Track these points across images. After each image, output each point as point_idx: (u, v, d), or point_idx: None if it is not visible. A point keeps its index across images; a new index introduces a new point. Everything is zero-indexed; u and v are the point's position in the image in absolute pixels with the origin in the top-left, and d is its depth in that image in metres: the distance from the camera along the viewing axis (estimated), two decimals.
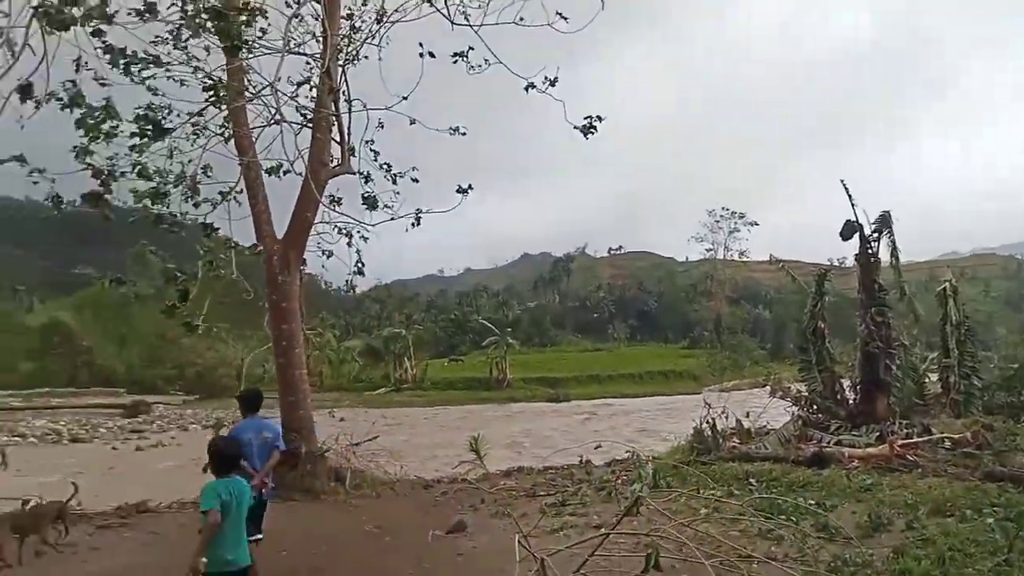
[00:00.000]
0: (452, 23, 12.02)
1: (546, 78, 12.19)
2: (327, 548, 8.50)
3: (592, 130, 12.05)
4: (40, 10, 7.83)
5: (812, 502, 8.90)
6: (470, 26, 11.74)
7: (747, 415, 16.00)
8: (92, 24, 7.93)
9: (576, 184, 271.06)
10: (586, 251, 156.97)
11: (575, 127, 12.11)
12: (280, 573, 7.50)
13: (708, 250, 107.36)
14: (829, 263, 31.93)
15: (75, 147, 10.17)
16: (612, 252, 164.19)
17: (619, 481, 11.86)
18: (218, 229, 12.79)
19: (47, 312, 76.13)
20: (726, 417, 15.05)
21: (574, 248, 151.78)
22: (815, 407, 15.82)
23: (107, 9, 7.66)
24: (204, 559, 4.73)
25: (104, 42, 8.88)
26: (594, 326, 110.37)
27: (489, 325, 75.63)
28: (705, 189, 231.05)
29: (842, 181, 15.63)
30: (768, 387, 17.19)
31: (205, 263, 12.24)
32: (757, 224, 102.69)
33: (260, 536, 7.09)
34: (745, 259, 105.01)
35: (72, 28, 8.22)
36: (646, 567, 5.41)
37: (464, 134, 13.55)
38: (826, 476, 11.04)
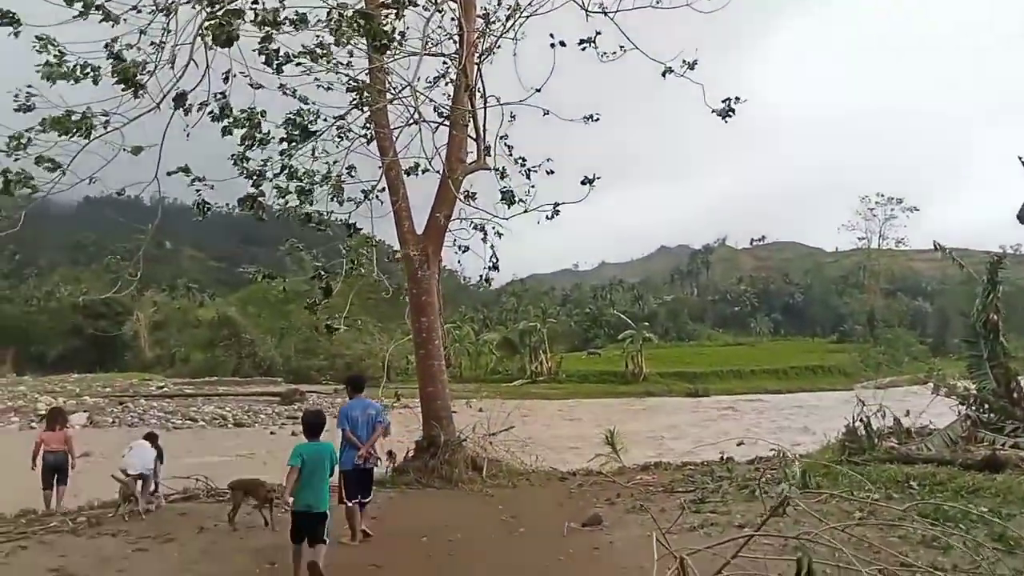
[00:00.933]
0: (587, 11, 11.91)
1: (684, 62, 11.85)
2: (463, 535, 8.66)
3: (730, 113, 11.60)
4: (211, 24, 8.50)
5: (985, 509, 8.07)
6: (604, 13, 11.59)
7: (907, 414, 14.80)
8: (264, 30, 8.53)
9: (715, 174, 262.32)
10: (726, 243, 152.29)
11: (713, 111, 11.71)
12: (418, 558, 7.76)
13: (861, 239, 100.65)
14: (1002, 250, 28.97)
15: (233, 155, 10.99)
16: (754, 243, 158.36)
17: (763, 479, 11.34)
18: (360, 229, 13.39)
19: (216, 308, 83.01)
20: (882, 416, 13.98)
21: (713, 240, 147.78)
22: (986, 406, 14.37)
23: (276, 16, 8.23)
24: (290, 500, 6.72)
25: (263, 47, 9.53)
26: (735, 320, 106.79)
27: (625, 318, 74.89)
28: (855, 176, 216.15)
29: (1020, 158, 14.08)
30: (930, 384, 15.79)
31: (347, 261, 12.84)
32: (917, 210, 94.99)
33: (369, 499, 8.57)
34: (903, 247, 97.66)
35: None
36: (798, 571, 5.08)
37: (597, 119, 13.41)
38: (1001, 481, 9.98)
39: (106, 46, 9.74)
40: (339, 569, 6.94)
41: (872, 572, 5.32)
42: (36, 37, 9.05)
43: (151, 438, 11.11)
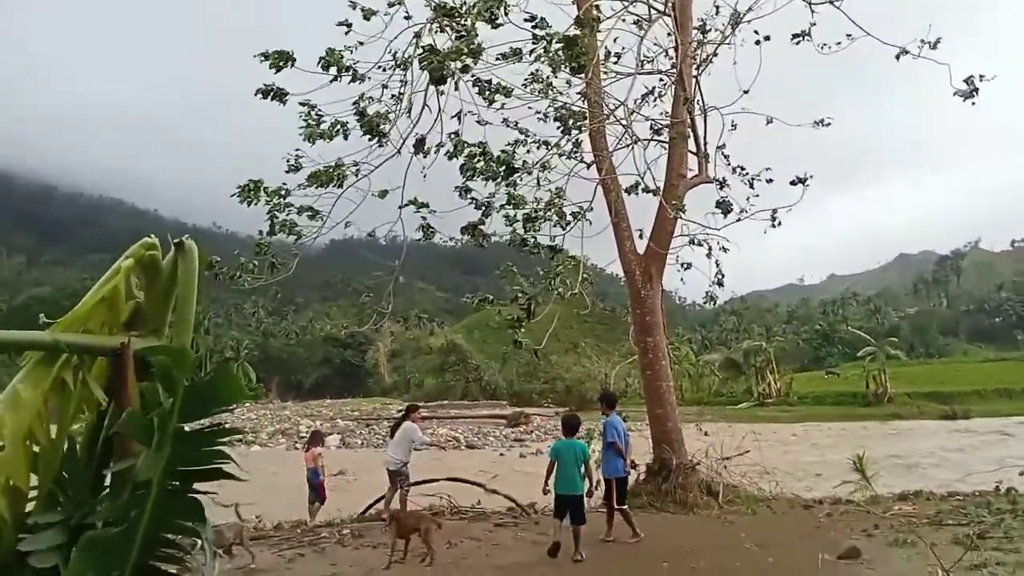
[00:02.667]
0: (811, 5, 11.29)
1: (923, 41, 10.82)
2: (706, 563, 8.32)
3: (974, 93, 10.33)
4: (425, 64, 9.25)
5: None
6: (831, 3, 10.92)
7: None
8: (462, 60, 9.13)
9: (963, 168, 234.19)
10: (979, 245, 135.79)
11: (955, 92, 10.51)
12: None
13: None
14: None
15: (457, 186, 11.71)
16: (1015, 244, 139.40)
17: None
18: (563, 250, 13.52)
19: (444, 335, 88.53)
20: None
21: (964, 243, 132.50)
22: None
23: (476, 46, 8.81)
24: (549, 487, 8.46)
25: (474, 76, 10.13)
26: (995, 332, 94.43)
27: (862, 335, 68.74)
28: None
29: None
30: None
31: (546, 283, 13.00)
32: None
33: (625, 506, 9.63)
34: None
35: (456, 86, 9.53)
36: None
37: (829, 125, 12.57)
38: None
39: (355, 103, 10.91)
40: None
41: None
42: (300, 103, 10.35)
43: (409, 412, 12.03)
